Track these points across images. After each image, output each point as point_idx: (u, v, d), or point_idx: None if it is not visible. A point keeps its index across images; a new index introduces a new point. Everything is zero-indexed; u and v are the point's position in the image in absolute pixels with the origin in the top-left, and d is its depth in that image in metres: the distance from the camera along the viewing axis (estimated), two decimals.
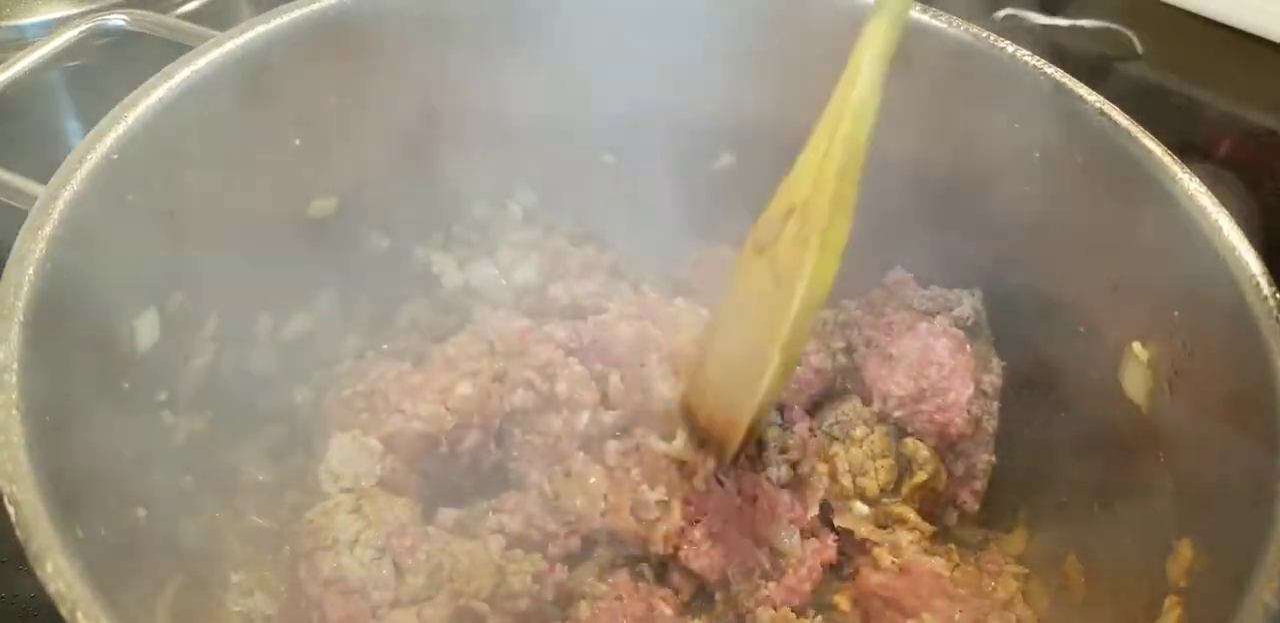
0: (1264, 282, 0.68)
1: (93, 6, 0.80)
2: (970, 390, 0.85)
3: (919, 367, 0.86)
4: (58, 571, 0.51)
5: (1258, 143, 1.33)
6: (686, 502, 0.84)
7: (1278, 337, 0.66)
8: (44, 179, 0.68)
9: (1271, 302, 0.67)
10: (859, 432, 0.87)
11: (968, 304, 0.89)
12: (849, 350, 0.92)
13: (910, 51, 0.85)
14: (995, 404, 0.88)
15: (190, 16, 0.99)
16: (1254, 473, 0.63)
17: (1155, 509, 0.74)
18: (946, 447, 0.88)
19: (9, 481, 0.54)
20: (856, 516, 0.87)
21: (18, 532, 0.53)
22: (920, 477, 0.87)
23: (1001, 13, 1.35)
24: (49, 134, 0.70)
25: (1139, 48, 1.36)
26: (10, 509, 0.53)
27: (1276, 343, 0.65)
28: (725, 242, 1.06)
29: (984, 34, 0.83)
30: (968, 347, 0.88)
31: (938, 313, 0.89)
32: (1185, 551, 0.69)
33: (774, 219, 0.76)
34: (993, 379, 0.89)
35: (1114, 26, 1.37)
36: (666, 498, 0.83)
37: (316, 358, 0.96)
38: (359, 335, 1.00)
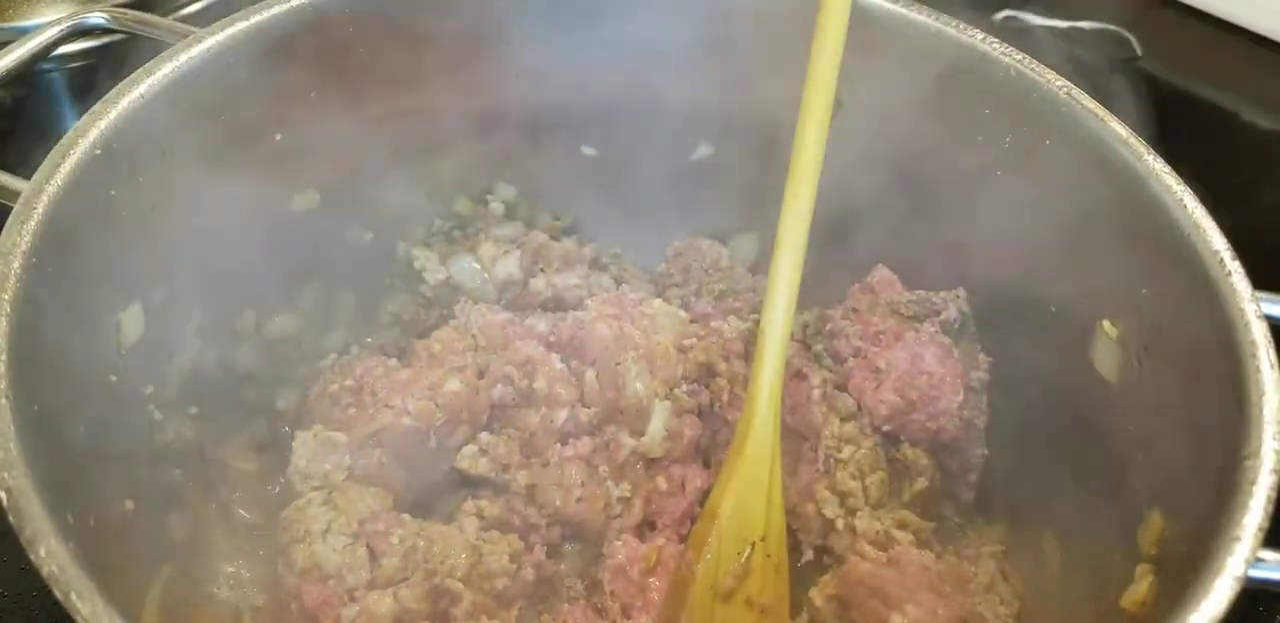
0: (1228, 257, 0.70)
1: (95, 7, 0.80)
2: (960, 397, 0.85)
3: (908, 378, 0.85)
4: (50, 554, 0.52)
5: (1258, 143, 1.34)
6: (648, 500, 0.86)
7: (1242, 310, 0.67)
8: None
9: (1235, 276, 0.69)
10: (845, 452, 0.86)
11: (954, 307, 0.89)
12: (836, 359, 0.90)
13: (878, 42, 0.87)
14: (984, 399, 0.88)
15: (193, 18, 1.00)
16: (1221, 442, 0.65)
17: (1127, 482, 0.75)
18: (940, 447, 0.88)
19: (1, 467, 0.55)
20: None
21: (10, 518, 0.53)
22: (921, 484, 0.87)
23: (1001, 14, 1.37)
24: (50, 135, 0.71)
25: (1138, 48, 1.37)
26: (2, 496, 0.54)
27: (1241, 316, 0.67)
28: (704, 233, 1.08)
29: (954, 23, 0.85)
30: (955, 353, 0.87)
31: (925, 318, 0.88)
32: (1155, 520, 0.70)
33: (727, 564, 0.79)
34: (980, 375, 0.89)
35: (1113, 27, 1.38)
36: (630, 495, 0.85)
37: (300, 353, 0.97)
38: (342, 330, 1.01)
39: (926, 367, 0.85)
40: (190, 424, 0.85)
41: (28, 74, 0.82)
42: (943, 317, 0.88)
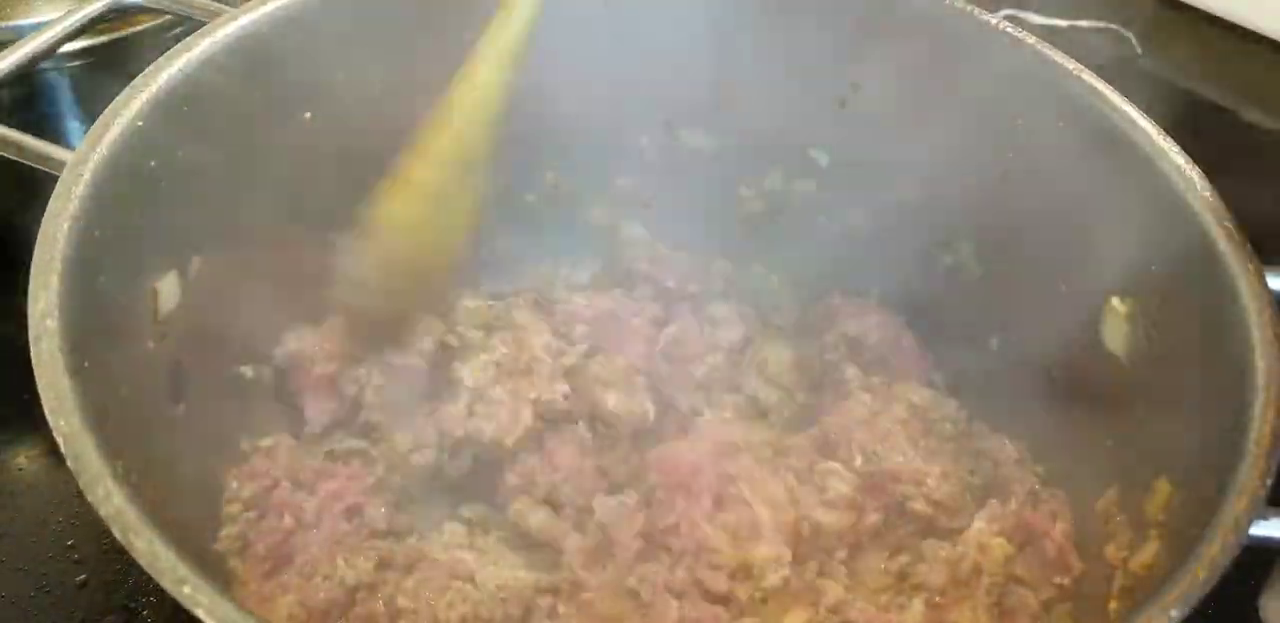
0: (1236, 233, 0.72)
1: (93, 7, 0.81)
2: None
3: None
4: (108, 494, 0.54)
5: (1258, 143, 1.35)
6: None
7: (1250, 284, 0.70)
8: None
9: (1244, 252, 0.71)
10: None
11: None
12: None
13: (883, 23, 0.89)
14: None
15: None
16: (1229, 411, 0.67)
17: (1137, 455, 0.77)
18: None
19: (56, 415, 0.57)
20: None
21: (69, 462, 0.55)
22: None
23: (1000, 13, 1.38)
24: (52, 136, 0.74)
25: (1138, 48, 1.39)
26: (60, 440, 0.56)
27: (1248, 287, 0.69)
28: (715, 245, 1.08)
29: (962, 5, 0.87)
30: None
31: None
32: (1162, 488, 0.72)
33: None
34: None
35: (1113, 27, 1.40)
36: None
37: None
38: None
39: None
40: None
41: (30, 73, 0.83)
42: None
